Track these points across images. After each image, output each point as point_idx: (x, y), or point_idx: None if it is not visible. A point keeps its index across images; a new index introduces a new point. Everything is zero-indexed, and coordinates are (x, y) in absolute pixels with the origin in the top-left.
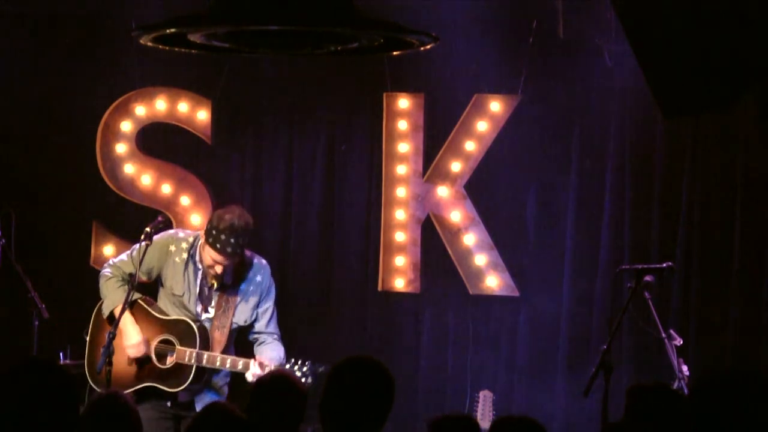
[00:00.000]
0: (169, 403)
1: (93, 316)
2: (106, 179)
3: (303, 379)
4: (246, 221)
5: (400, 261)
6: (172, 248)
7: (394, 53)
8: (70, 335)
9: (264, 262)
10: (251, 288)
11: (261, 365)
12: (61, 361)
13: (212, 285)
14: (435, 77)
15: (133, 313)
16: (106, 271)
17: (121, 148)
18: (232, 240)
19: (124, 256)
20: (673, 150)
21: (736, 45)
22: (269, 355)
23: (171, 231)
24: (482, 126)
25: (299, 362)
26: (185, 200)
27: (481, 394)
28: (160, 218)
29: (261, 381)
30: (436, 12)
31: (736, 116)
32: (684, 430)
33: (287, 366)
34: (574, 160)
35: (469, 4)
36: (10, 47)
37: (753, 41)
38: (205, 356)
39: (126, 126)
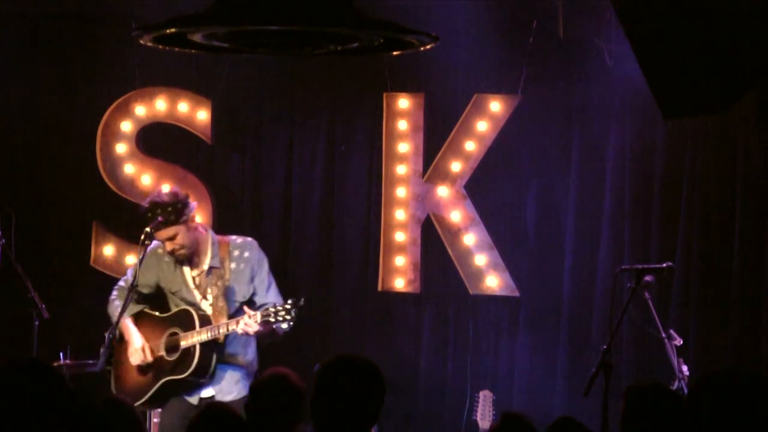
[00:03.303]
0: (197, 400)
1: (108, 346)
2: (106, 179)
3: (287, 317)
4: (168, 196)
5: (400, 261)
6: (160, 251)
7: (394, 53)
8: (70, 335)
9: (249, 239)
10: (241, 265)
11: (247, 314)
12: (61, 362)
13: (183, 260)
14: (435, 77)
15: (139, 322)
16: (112, 295)
17: (121, 148)
18: (158, 211)
19: (127, 275)
20: (673, 150)
21: (736, 45)
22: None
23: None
24: (482, 126)
25: (281, 303)
26: None
27: (481, 394)
28: (159, 218)
29: (259, 380)
30: (436, 12)
31: (736, 116)
32: (682, 430)
33: (271, 309)
34: (574, 160)
35: (469, 4)
36: (10, 47)
37: (753, 41)
38: (196, 333)
39: (126, 126)
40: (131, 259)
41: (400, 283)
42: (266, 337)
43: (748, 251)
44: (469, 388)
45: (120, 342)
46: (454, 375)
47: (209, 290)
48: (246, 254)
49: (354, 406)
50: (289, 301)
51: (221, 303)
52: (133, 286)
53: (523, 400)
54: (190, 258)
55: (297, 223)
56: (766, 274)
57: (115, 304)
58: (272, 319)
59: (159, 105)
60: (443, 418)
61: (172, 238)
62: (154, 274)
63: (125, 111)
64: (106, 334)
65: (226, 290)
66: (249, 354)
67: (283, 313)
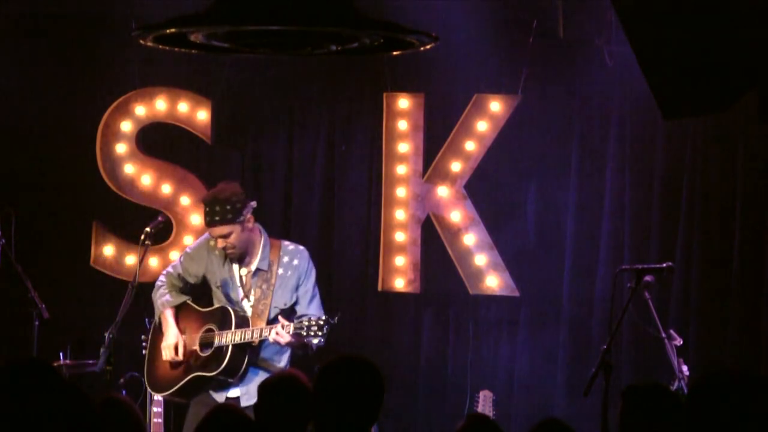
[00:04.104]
0: (223, 399)
1: (151, 331)
2: (106, 179)
3: (319, 333)
4: (229, 192)
5: (400, 261)
6: (212, 243)
7: (394, 53)
8: (70, 335)
9: (301, 247)
10: (288, 272)
11: (281, 325)
12: (61, 362)
13: (230, 260)
14: (435, 77)
15: (179, 314)
16: (159, 281)
17: (121, 148)
18: (217, 208)
19: (176, 261)
20: (673, 150)
21: (736, 45)
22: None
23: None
24: (482, 126)
25: (314, 318)
26: (185, 200)
27: (481, 394)
28: (160, 218)
29: (268, 381)
30: (436, 12)
31: (736, 116)
32: (681, 430)
33: (304, 323)
34: (574, 160)
35: (469, 4)
36: (10, 47)
37: (753, 41)
38: (231, 333)
39: (126, 126)
40: (131, 259)
41: (400, 283)
42: (299, 349)
43: (748, 251)
44: (469, 388)
45: (158, 330)
46: (454, 375)
47: (253, 291)
48: (295, 262)
49: (354, 406)
50: (323, 317)
51: (261, 306)
52: (133, 286)
53: (523, 400)
54: (241, 257)
55: (297, 223)
56: (766, 274)
57: (161, 291)
58: (304, 333)
59: (159, 105)
60: (443, 418)
61: (225, 236)
62: (201, 265)
63: (125, 111)
64: (106, 334)
65: (270, 294)
66: (283, 361)
67: (315, 328)
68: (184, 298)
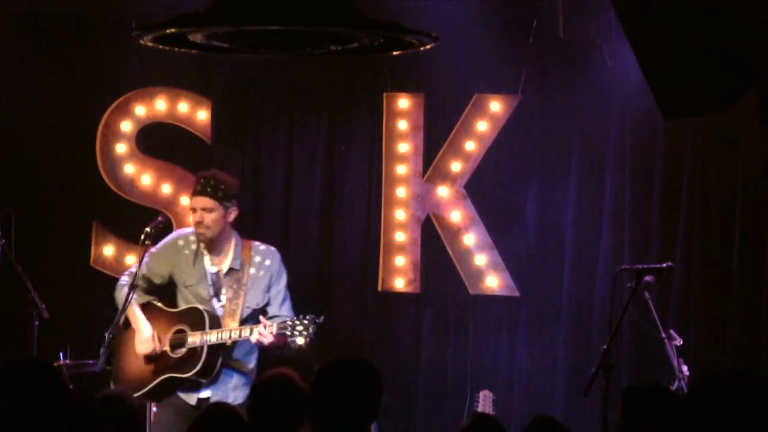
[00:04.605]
0: (195, 401)
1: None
2: (106, 179)
3: (305, 333)
4: (228, 179)
5: (400, 261)
6: (181, 242)
7: (394, 53)
8: (70, 335)
9: (272, 248)
10: (261, 272)
11: (263, 324)
12: (61, 362)
13: (201, 242)
14: (435, 77)
15: (146, 313)
16: (122, 280)
17: (121, 148)
18: (211, 182)
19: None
20: (673, 150)
21: (736, 45)
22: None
23: (176, 231)
24: (482, 126)
25: (300, 317)
26: (185, 200)
27: (481, 394)
28: (160, 218)
29: (262, 381)
30: (436, 12)
31: (736, 116)
32: (680, 430)
33: (288, 323)
34: (574, 160)
35: (469, 4)
36: (10, 47)
37: (753, 41)
38: (205, 334)
39: (126, 126)
40: (131, 259)
41: (400, 283)
42: (278, 349)
43: (748, 251)
44: (469, 388)
45: (125, 329)
46: (454, 375)
47: (224, 291)
48: (267, 262)
49: (352, 405)
50: (308, 317)
51: (234, 306)
52: (133, 285)
53: (523, 400)
54: (210, 247)
55: (297, 223)
56: (766, 274)
57: (125, 290)
58: (288, 332)
59: (159, 105)
60: (443, 418)
61: (207, 210)
62: (169, 265)
63: (125, 111)
64: (106, 334)
65: (242, 294)
66: (252, 362)
67: (300, 327)
68: (149, 297)
